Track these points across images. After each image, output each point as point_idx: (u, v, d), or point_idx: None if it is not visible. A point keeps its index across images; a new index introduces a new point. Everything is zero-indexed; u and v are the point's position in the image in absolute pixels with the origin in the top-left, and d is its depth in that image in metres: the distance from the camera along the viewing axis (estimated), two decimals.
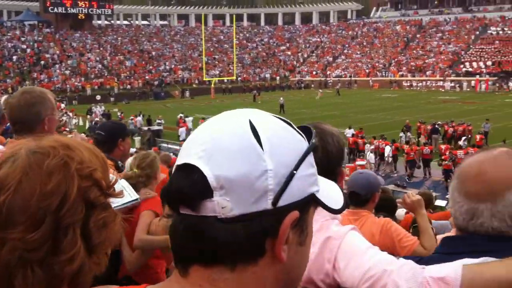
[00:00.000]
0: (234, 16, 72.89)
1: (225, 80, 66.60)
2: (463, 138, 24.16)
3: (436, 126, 27.32)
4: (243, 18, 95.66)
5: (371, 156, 22.59)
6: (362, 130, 26.37)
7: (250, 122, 0.81)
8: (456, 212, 1.39)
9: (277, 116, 0.88)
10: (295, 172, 0.80)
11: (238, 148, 0.78)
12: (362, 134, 25.80)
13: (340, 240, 1.51)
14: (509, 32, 68.14)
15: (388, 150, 22.62)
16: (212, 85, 61.07)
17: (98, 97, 54.43)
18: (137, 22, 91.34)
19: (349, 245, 1.49)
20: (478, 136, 24.64)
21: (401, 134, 26.25)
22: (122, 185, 2.91)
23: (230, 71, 69.53)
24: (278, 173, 0.79)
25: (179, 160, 0.82)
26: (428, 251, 2.93)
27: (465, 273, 1.23)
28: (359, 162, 21.59)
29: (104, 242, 0.87)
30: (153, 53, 76.42)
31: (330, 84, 68.17)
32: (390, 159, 22.84)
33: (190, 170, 0.79)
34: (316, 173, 0.88)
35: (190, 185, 0.78)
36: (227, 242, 0.77)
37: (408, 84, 62.94)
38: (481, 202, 1.33)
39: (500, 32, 69.13)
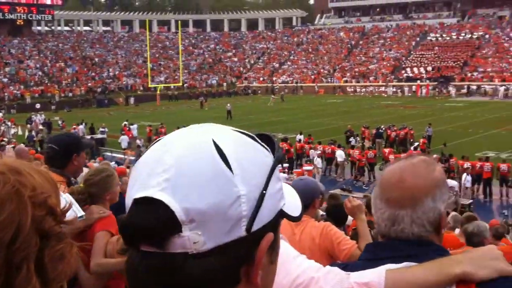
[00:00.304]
0: (179, 22, 72.06)
1: (171, 87, 65.72)
2: (416, 144, 24.43)
3: (380, 130, 27.83)
4: (189, 24, 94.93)
5: (318, 161, 22.64)
6: (312, 137, 26.48)
7: (214, 142, 0.75)
8: (379, 219, 1.43)
9: (239, 130, 0.83)
10: (265, 192, 0.76)
11: (207, 175, 0.72)
12: (312, 140, 25.89)
13: None
14: (448, 38, 70.79)
15: (340, 155, 22.72)
16: (158, 92, 60.09)
17: (38, 106, 52.37)
18: (79, 28, 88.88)
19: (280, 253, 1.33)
20: (421, 140, 25.22)
21: (352, 139, 26.55)
22: (66, 200, 2.64)
23: (176, 77, 68.70)
24: (250, 197, 0.74)
25: (135, 192, 0.74)
26: None
27: (388, 278, 1.28)
28: (306, 167, 21.59)
29: (60, 275, 0.78)
30: (96, 59, 74.55)
31: (277, 90, 68.63)
32: (345, 163, 22.97)
33: (152, 204, 0.71)
34: (282, 187, 0.84)
35: (154, 221, 0.70)
36: (200, 278, 0.71)
37: (352, 89, 64.17)
38: (402, 209, 1.37)
39: (439, 38, 71.72)
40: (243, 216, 0.73)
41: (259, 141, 0.82)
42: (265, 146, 0.82)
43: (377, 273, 1.30)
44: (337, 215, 4.58)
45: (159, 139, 0.81)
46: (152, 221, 0.70)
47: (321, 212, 5.73)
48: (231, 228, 0.72)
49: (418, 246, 1.38)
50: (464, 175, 18.75)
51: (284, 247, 1.40)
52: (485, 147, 25.78)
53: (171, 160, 0.73)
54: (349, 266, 1.47)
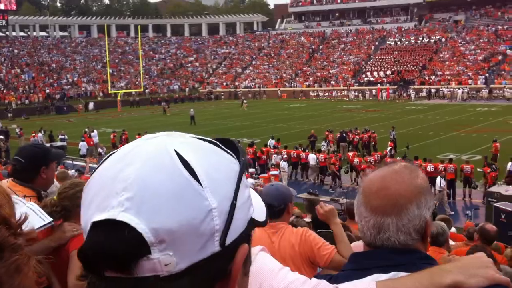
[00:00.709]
0: (139, 26, 71.03)
1: (132, 93, 64.73)
2: (389, 148, 24.23)
3: (344, 134, 28.02)
4: (148, 29, 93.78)
5: (284, 165, 22.55)
6: (279, 142, 26.32)
7: (176, 152, 0.69)
8: (364, 227, 1.40)
9: (199, 137, 0.78)
10: (235, 202, 0.71)
11: (174, 190, 0.66)
12: (279, 145, 25.74)
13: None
14: (406, 42, 72.31)
15: (313, 158, 22.66)
16: (118, 98, 59.05)
17: None
18: (34, 34, 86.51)
19: (259, 268, 1.37)
20: (389, 144, 25.43)
21: (323, 143, 26.60)
22: (31, 208, 2.51)
23: (137, 83, 67.72)
24: (222, 210, 0.69)
25: (93, 214, 0.68)
26: (346, 258, 2.87)
27: None
28: (272, 172, 21.48)
29: None
30: (53, 65, 72.76)
31: (240, 94, 68.56)
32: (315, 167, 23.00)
33: (115, 226, 0.65)
34: (250, 194, 0.79)
35: (119, 245, 0.64)
36: None
37: (315, 94, 64.66)
38: (387, 216, 1.35)
39: (398, 42, 73.17)
40: (215, 230, 0.68)
41: (222, 147, 0.78)
42: (229, 152, 0.78)
43: (367, 285, 1.27)
44: (326, 225, 4.44)
45: (113, 153, 0.74)
46: (117, 246, 0.64)
47: (307, 220, 5.58)
48: (204, 244, 0.67)
49: (404, 254, 1.35)
50: (439, 178, 18.93)
51: (267, 260, 1.42)
52: (446, 149, 26.29)
53: (132, 176, 0.67)
54: (334, 277, 1.44)
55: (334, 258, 3.12)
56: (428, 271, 1.27)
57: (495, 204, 15.33)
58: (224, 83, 74.35)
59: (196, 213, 0.67)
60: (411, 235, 1.35)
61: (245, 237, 0.74)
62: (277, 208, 3.26)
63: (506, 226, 13.96)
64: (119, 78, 71.94)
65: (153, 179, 0.67)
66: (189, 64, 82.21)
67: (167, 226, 0.65)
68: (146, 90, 67.98)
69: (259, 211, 0.86)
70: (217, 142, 0.78)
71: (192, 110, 42.96)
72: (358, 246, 5.26)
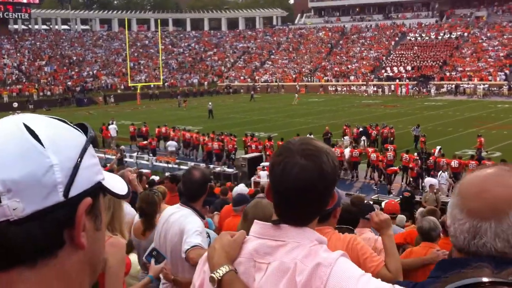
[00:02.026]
0: (159, 21, 71.47)
1: (152, 86, 65.22)
2: (438, 147, 23.16)
3: (361, 129, 27.93)
4: (168, 23, 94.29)
5: None
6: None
7: (25, 125, 0.84)
8: (457, 231, 1.32)
9: (53, 116, 0.91)
10: (79, 163, 0.84)
11: (19, 149, 0.80)
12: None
13: (331, 268, 1.38)
14: (427, 38, 71.54)
15: (347, 153, 22.64)
16: (138, 91, 59.57)
17: (16, 105, 51.51)
18: (56, 27, 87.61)
19: (340, 273, 1.36)
20: (421, 139, 25.21)
21: (363, 138, 26.55)
22: None
23: (156, 76, 68.22)
24: (64, 166, 0.82)
25: None
26: (393, 273, 2.83)
27: None
28: None
29: None
30: (74, 58, 73.62)
31: (258, 89, 68.65)
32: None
33: None
34: (99, 164, 0.92)
35: None
36: (24, 242, 0.78)
37: (333, 89, 64.40)
38: (485, 220, 1.26)
39: (418, 38, 72.43)
40: (58, 183, 0.81)
41: (72, 124, 0.92)
42: (79, 129, 0.92)
43: None
44: (348, 220, 4.23)
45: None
46: None
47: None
48: (48, 194, 0.80)
49: (501, 264, 1.18)
50: (440, 172, 18.84)
51: (347, 265, 1.42)
52: (464, 146, 26.05)
53: None
54: (420, 284, 1.39)
55: (380, 272, 2.94)
56: None
57: None
58: (242, 77, 74.44)
59: (38, 168, 0.80)
60: (509, 243, 1.26)
61: (92, 194, 0.87)
62: (323, 214, 3.16)
63: None
64: (138, 72, 72.50)
65: (1, 141, 0.81)
66: (208, 58, 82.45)
67: (12, 177, 0.78)
68: (165, 84, 68.40)
69: (119, 187, 0.97)
70: (67, 121, 0.91)
71: (210, 103, 43.16)
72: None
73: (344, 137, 26.98)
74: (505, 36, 65.60)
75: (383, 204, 10.32)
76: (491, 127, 32.68)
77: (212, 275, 1.49)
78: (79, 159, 0.85)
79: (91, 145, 0.89)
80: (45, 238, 0.79)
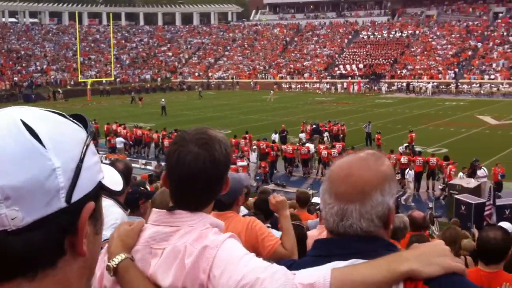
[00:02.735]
0: (111, 14, 69.82)
1: (103, 81, 63.72)
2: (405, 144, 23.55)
3: (314, 126, 28.12)
4: (121, 17, 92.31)
5: (253, 156, 22.47)
6: (249, 134, 26.21)
7: (23, 121, 0.76)
8: (327, 214, 1.41)
9: (49, 110, 0.84)
10: (81, 164, 0.79)
11: (19, 151, 0.73)
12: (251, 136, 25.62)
13: (217, 249, 1.47)
14: (379, 36, 72.82)
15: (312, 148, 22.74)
16: (88, 87, 58.10)
17: None
18: (3, 20, 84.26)
19: (225, 254, 1.46)
20: (377, 136, 25.60)
21: (326, 134, 26.83)
22: None
23: (108, 72, 66.69)
24: (66, 169, 0.76)
25: None
26: (289, 251, 2.98)
27: (334, 278, 1.27)
28: (240, 163, 21.37)
29: None
30: (22, 52, 71.10)
31: (213, 85, 68.26)
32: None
33: None
34: (99, 161, 0.87)
35: None
36: (23, 254, 0.72)
37: (288, 86, 64.70)
38: (350, 203, 1.36)
39: (371, 36, 73.65)
40: (61, 187, 0.75)
41: (70, 118, 0.85)
42: (78, 123, 0.85)
43: (323, 273, 1.28)
44: (266, 209, 4.44)
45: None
46: None
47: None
48: (50, 200, 0.74)
49: (366, 242, 1.35)
50: (407, 170, 19.11)
51: (233, 246, 1.49)
52: (414, 142, 26.58)
53: None
54: (295, 263, 1.46)
55: (276, 250, 3.07)
56: (385, 258, 1.27)
57: (456, 196, 15.60)
58: (197, 73, 73.82)
59: (40, 172, 0.73)
60: (373, 222, 1.35)
61: (93, 197, 0.82)
62: (226, 202, 3.26)
63: (466, 217, 14.25)
64: (89, 67, 70.73)
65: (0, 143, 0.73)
66: (162, 54, 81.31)
67: (11, 184, 0.71)
68: (117, 79, 67.02)
69: (115, 182, 0.95)
70: (65, 114, 0.85)
71: (163, 100, 42.50)
72: (312, 236, 5.25)
73: (300, 134, 27.15)
74: (453, 35, 67.58)
75: None
76: (439, 124, 33.57)
77: (108, 263, 1.53)
78: (81, 159, 0.79)
79: (92, 142, 0.83)
80: (46, 248, 0.74)
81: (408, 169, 19.06)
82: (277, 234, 3.36)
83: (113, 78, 63.63)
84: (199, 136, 1.58)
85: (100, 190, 0.85)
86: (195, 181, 1.55)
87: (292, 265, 1.42)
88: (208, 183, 1.58)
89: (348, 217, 1.36)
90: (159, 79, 71.35)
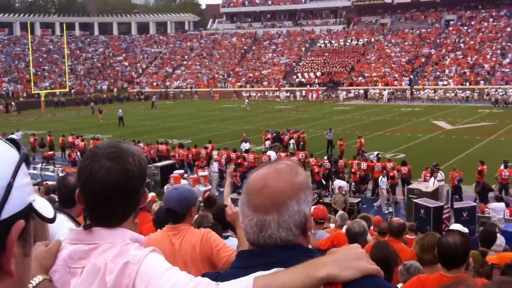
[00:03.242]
0: (64, 24, 68.29)
1: (57, 93, 62.14)
2: (376, 153, 23.08)
3: (274, 134, 28.10)
4: (75, 27, 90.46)
5: (214, 166, 22.27)
6: (212, 143, 25.86)
7: None
8: (247, 226, 1.43)
9: None
10: (13, 181, 0.79)
11: None
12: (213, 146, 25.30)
13: (138, 265, 1.46)
14: (336, 44, 73.90)
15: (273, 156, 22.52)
16: (42, 98, 56.55)
17: None
18: None
19: (147, 269, 1.45)
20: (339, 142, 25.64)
21: (292, 141, 26.68)
22: None
23: (62, 83, 65.14)
24: None
25: None
26: None
27: (256, 286, 1.30)
28: (201, 172, 21.14)
29: None
30: None
31: (171, 95, 67.60)
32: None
33: None
34: (31, 183, 0.87)
35: None
36: None
37: (247, 94, 64.79)
38: (268, 214, 1.38)
39: (328, 44, 74.67)
40: None
41: (4, 140, 0.87)
42: (11, 145, 0.87)
43: (245, 282, 1.31)
44: (223, 219, 4.33)
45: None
46: None
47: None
48: None
49: (286, 250, 1.39)
50: (381, 177, 19.12)
51: (156, 260, 1.48)
52: (371, 148, 26.95)
53: None
54: (221, 275, 1.47)
55: (232, 261, 2.98)
56: (304, 264, 1.31)
57: (415, 200, 15.82)
58: (154, 83, 73.02)
59: None
60: (292, 231, 1.39)
61: (24, 216, 0.83)
62: (180, 213, 3.28)
63: (425, 221, 14.45)
64: (43, 78, 68.94)
65: None
66: (118, 64, 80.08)
67: None
68: (72, 90, 65.55)
69: (47, 209, 0.96)
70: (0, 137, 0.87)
71: (120, 110, 41.73)
72: None
73: (266, 142, 27.08)
74: (406, 43, 69.27)
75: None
76: (396, 130, 34.19)
77: None
78: (12, 178, 0.79)
79: (24, 163, 0.83)
80: None
81: (381, 176, 19.15)
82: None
83: (67, 89, 62.18)
84: (111, 150, 1.55)
85: (31, 212, 0.85)
86: (109, 196, 1.53)
87: (217, 277, 1.42)
88: (123, 197, 1.55)
89: (267, 227, 1.38)
90: (115, 89, 70.16)
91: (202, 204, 7.48)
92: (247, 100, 54.09)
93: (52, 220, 0.94)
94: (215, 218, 4.66)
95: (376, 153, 23.01)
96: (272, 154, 23.10)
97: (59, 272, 1.52)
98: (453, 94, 53.00)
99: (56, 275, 1.52)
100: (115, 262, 1.44)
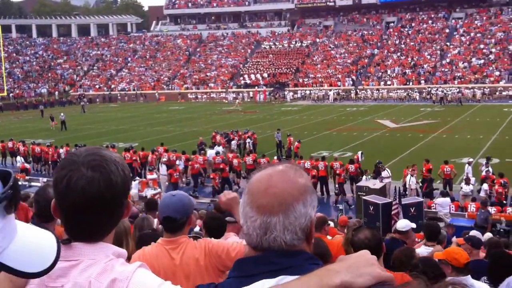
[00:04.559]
0: (0, 27, 65.35)
1: None
2: (360, 152, 22.66)
3: (224, 135, 27.94)
4: (11, 29, 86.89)
5: (163, 169, 21.86)
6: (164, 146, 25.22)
7: None
8: (249, 228, 1.37)
9: None
10: None
11: None
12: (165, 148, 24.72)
13: (127, 281, 1.37)
14: (280, 46, 74.48)
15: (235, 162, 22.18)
16: None
17: None
18: None
19: (137, 285, 1.36)
20: (295, 145, 25.41)
21: (249, 141, 26.33)
22: None
23: None
24: None
25: None
26: None
27: None
28: (149, 176, 20.73)
29: None
30: None
31: (119, 98, 66.24)
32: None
33: None
34: (5, 229, 0.77)
35: None
36: None
37: (194, 96, 64.24)
38: (274, 215, 1.33)
39: (273, 46, 75.16)
40: None
41: None
42: None
43: None
44: (214, 228, 4.28)
45: None
46: None
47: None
48: None
49: (291, 256, 1.34)
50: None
51: (144, 276, 1.39)
52: (319, 148, 27.29)
53: None
54: (220, 285, 1.42)
55: (245, 253, 2.81)
56: (317, 273, 1.26)
57: (364, 197, 16.07)
58: (97, 86, 71.17)
59: None
60: (297, 235, 1.34)
61: None
62: (179, 222, 3.09)
63: (374, 217, 14.68)
64: None
65: None
66: (58, 66, 77.56)
67: None
68: (11, 94, 62.90)
69: (33, 258, 0.89)
70: None
71: (62, 114, 40.38)
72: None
73: (232, 142, 26.71)
74: (350, 44, 70.72)
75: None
76: (342, 129, 34.78)
77: None
78: None
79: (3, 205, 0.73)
80: None
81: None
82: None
83: (5, 94, 59.59)
84: (92, 157, 1.42)
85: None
86: (91, 208, 1.40)
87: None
88: (105, 210, 1.43)
89: (272, 230, 1.33)
90: (56, 92, 67.90)
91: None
92: (237, 100, 54.54)
93: (38, 274, 0.83)
94: (205, 227, 4.46)
95: (360, 152, 22.54)
96: (211, 153, 22.93)
97: None
98: (406, 94, 54.22)
99: None
100: (100, 280, 1.34)
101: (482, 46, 61.70)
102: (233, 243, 3.17)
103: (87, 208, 1.40)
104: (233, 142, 26.82)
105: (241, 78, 67.32)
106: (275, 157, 22.45)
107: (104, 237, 1.47)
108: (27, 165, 24.78)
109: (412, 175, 18.77)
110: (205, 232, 4.42)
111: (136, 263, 1.42)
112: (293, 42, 74.55)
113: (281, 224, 1.33)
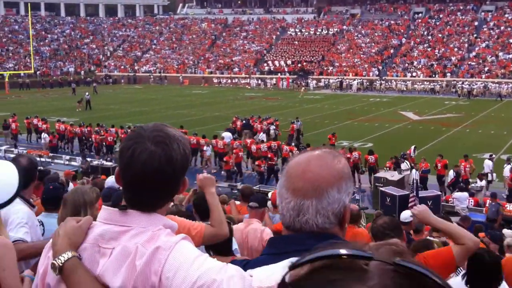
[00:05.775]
0: (29, 4, 66.35)
1: (22, 74, 60.51)
2: (413, 147, 21.89)
3: (244, 121, 28.06)
4: (40, 7, 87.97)
5: None
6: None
7: None
8: (284, 209, 1.42)
9: None
10: None
11: None
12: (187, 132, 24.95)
13: (170, 251, 1.44)
14: (306, 33, 74.03)
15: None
16: (6, 79, 55.01)
17: None
18: None
19: (178, 255, 1.43)
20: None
21: (272, 128, 26.38)
22: None
23: (27, 64, 63.43)
24: None
25: None
26: (217, 227, 2.90)
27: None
28: None
29: None
30: None
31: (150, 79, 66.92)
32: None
33: None
34: None
35: None
36: None
37: (217, 81, 64.42)
38: (307, 199, 1.37)
39: (298, 33, 74.74)
40: None
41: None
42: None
43: (281, 268, 1.24)
44: (203, 209, 4.05)
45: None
46: None
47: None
48: None
49: (321, 239, 1.33)
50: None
51: (185, 248, 1.46)
52: (340, 137, 27.21)
53: None
54: (252, 262, 1.47)
55: (205, 233, 2.91)
56: None
57: (381, 188, 16.09)
58: (122, 67, 71.83)
59: None
60: (329, 219, 1.38)
61: None
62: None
63: (390, 209, 14.73)
64: (7, 59, 66.97)
65: None
66: (85, 46, 78.41)
67: None
68: (37, 72, 63.92)
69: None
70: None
71: (87, 94, 40.95)
72: (238, 229, 5.04)
73: (245, 131, 26.88)
74: (376, 34, 69.93)
75: (269, 194, 10.34)
76: (364, 120, 34.59)
77: (54, 261, 1.47)
78: None
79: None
80: None
81: None
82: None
83: (33, 71, 60.58)
84: (157, 133, 1.50)
85: None
86: (149, 181, 1.48)
87: (247, 265, 1.41)
88: (163, 184, 1.51)
89: (304, 212, 1.37)
90: (82, 72, 68.76)
91: None
92: (303, 88, 54.75)
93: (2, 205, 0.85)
94: (195, 207, 4.47)
95: (413, 147, 21.76)
96: (226, 135, 23.08)
97: (88, 251, 1.50)
98: (421, 86, 53.69)
99: (86, 253, 1.50)
100: (146, 246, 1.43)
101: (511, 40, 60.42)
102: (195, 222, 3.14)
103: (146, 180, 1.48)
104: (272, 127, 26.63)
105: (265, 64, 67.18)
106: (293, 144, 22.50)
107: (157, 208, 1.55)
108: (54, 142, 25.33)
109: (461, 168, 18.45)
110: (194, 212, 4.43)
111: (180, 235, 1.51)
112: (319, 30, 73.97)
113: (313, 207, 1.37)
